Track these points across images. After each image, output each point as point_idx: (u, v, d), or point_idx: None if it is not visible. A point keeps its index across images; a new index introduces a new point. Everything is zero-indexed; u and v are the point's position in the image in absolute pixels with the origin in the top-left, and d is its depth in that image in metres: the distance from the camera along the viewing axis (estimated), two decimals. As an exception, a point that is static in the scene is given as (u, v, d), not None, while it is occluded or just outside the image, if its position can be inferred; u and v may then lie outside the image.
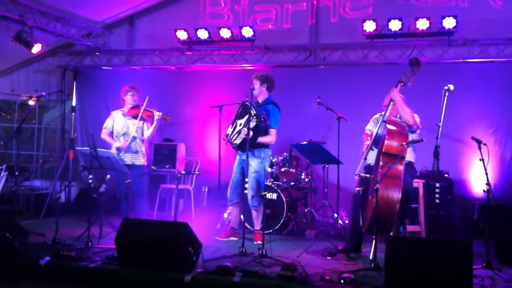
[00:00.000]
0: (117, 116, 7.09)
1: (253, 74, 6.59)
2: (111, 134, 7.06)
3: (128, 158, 6.90)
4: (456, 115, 7.34)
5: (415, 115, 5.56)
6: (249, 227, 6.75)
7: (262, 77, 6.50)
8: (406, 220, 6.01)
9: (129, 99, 7.06)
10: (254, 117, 6.01)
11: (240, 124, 6.23)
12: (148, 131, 7.06)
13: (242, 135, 6.11)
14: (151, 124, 7.05)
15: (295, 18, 9.08)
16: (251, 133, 5.96)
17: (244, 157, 6.25)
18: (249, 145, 5.86)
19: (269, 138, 6.36)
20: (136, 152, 6.98)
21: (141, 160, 7.02)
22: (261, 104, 6.44)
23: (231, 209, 6.69)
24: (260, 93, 6.46)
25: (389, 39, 8.25)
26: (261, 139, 6.29)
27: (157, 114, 6.92)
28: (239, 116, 6.37)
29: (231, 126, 6.47)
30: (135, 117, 6.98)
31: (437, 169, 4.87)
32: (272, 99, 6.50)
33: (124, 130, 6.98)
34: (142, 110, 6.91)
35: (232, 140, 6.30)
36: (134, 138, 6.97)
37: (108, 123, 7.10)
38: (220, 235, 6.51)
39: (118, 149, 6.88)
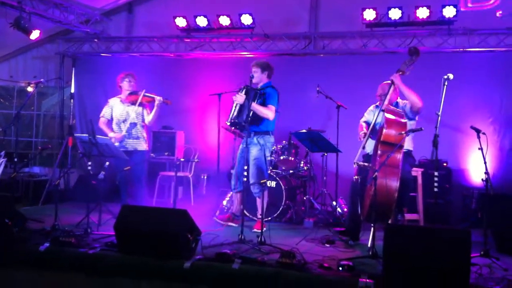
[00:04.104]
0: (115, 103, 7.05)
1: (252, 62, 6.57)
2: (109, 122, 7.03)
3: (130, 144, 6.89)
4: (456, 104, 7.33)
5: None
6: (248, 214, 6.78)
7: (263, 64, 6.48)
8: (405, 209, 6.03)
9: (126, 85, 7.01)
10: (244, 87, 6.22)
11: (236, 104, 6.29)
12: (149, 117, 7.03)
13: (236, 100, 6.24)
14: (150, 109, 7.04)
15: (295, 6, 9.05)
16: (242, 94, 6.19)
17: (245, 144, 6.27)
18: (252, 122, 6.05)
19: (267, 110, 6.24)
20: (138, 138, 6.97)
21: (143, 146, 7.03)
22: (260, 89, 6.42)
23: (235, 196, 6.69)
24: (261, 80, 6.44)
25: (389, 28, 8.22)
26: (258, 108, 6.21)
27: (157, 99, 6.86)
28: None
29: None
30: (134, 103, 6.95)
31: (435, 158, 4.88)
32: (271, 84, 6.49)
33: (124, 117, 6.95)
34: (141, 96, 6.88)
35: (231, 120, 6.29)
36: (135, 124, 6.95)
37: (105, 111, 7.05)
38: (220, 216, 6.53)
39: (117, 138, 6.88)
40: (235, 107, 6.30)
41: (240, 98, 6.20)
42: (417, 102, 5.48)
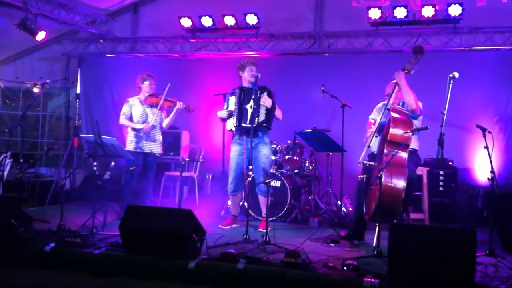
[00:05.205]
0: (134, 103, 7.01)
1: (256, 62, 6.56)
2: (129, 120, 7.02)
3: (146, 146, 6.91)
4: (461, 103, 7.30)
5: (418, 102, 5.54)
6: (253, 214, 6.79)
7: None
8: (410, 208, 6.01)
9: (146, 87, 6.99)
10: (263, 88, 6.13)
11: (251, 106, 6.19)
12: (166, 120, 7.09)
13: (266, 104, 6.14)
14: (166, 112, 7.07)
15: (300, 5, 9.04)
16: (269, 100, 6.11)
17: (252, 144, 6.23)
18: (269, 121, 6.11)
19: (280, 111, 6.36)
20: (154, 140, 6.99)
21: (158, 149, 7.05)
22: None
23: (233, 198, 6.67)
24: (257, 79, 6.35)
25: (394, 26, 8.19)
26: (278, 110, 6.32)
27: (179, 104, 6.91)
28: (244, 102, 6.30)
29: (233, 117, 6.37)
30: (153, 106, 6.97)
31: (441, 157, 4.86)
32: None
33: (144, 119, 6.94)
34: (162, 100, 6.88)
35: (252, 123, 6.13)
36: (154, 126, 6.96)
37: (126, 109, 6.99)
38: (223, 223, 6.53)
39: (138, 136, 6.88)
40: (255, 109, 6.18)
41: (269, 101, 6.19)
42: (412, 103, 5.41)
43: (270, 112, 6.24)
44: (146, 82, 6.99)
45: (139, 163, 6.78)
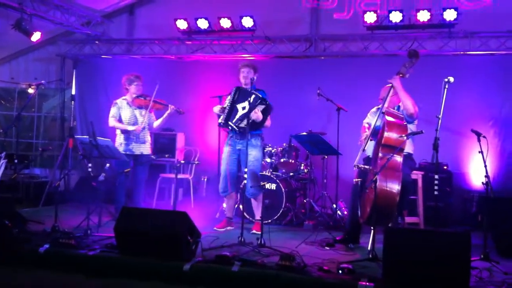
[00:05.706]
0: (122, 105, 6.99)
1: (244, 63, 6.55)
2: (119, 122, 6.99)
3: (136, 148, 6.89)
4: (456, 107, 7.32)
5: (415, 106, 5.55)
6: (248, 217, 6.77)
7: (254, 66, 6.49)
8: (405, 212, 6.02)
9: (133, 89, 6.96)
10: (264, 100, 6.08)
11: (244, 108, 6.15)
12: (157, 122, 7.09)
13: (254, 117, 6.06)
14: (155, 114, 7.06)
15: (296, 8, 9.05)
16: (261, 115, 6.05)
17: (240, 146, 6.25)
18: (253, 128, 5.99)
19: (269, 121, 6.33)
20: (144, 142, 6.98)
21: (148, 150, 7.05)
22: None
23: (226, 200, 6.68)
24: (252, 81, 6.35)
25: (390, 30, 8.21)
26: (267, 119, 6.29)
27: (170, 108, 6.92)
28: (238, 101, 6.27)
29: (223, 115, 6.33)
30: (142, 107, 6.95)
31: (436, 161, 4.87)
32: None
33: (133, 120, 6.92)
34: (152, 103, 6.86)
35: (237, 124, 6.13)
36: (143, 128, 6.95)
37: (114, 111, 6.97)
38: (218, 225, 6.53)
39: (128, 138, 6.86)
40: (245, 113, 6.12)
41: (257, 116, 6.10)
42: (410, 107, 5.41)
43: (254, 125, 6.12)
44: (134, 84, 6.95)
45: (130, 165, 6.76)
